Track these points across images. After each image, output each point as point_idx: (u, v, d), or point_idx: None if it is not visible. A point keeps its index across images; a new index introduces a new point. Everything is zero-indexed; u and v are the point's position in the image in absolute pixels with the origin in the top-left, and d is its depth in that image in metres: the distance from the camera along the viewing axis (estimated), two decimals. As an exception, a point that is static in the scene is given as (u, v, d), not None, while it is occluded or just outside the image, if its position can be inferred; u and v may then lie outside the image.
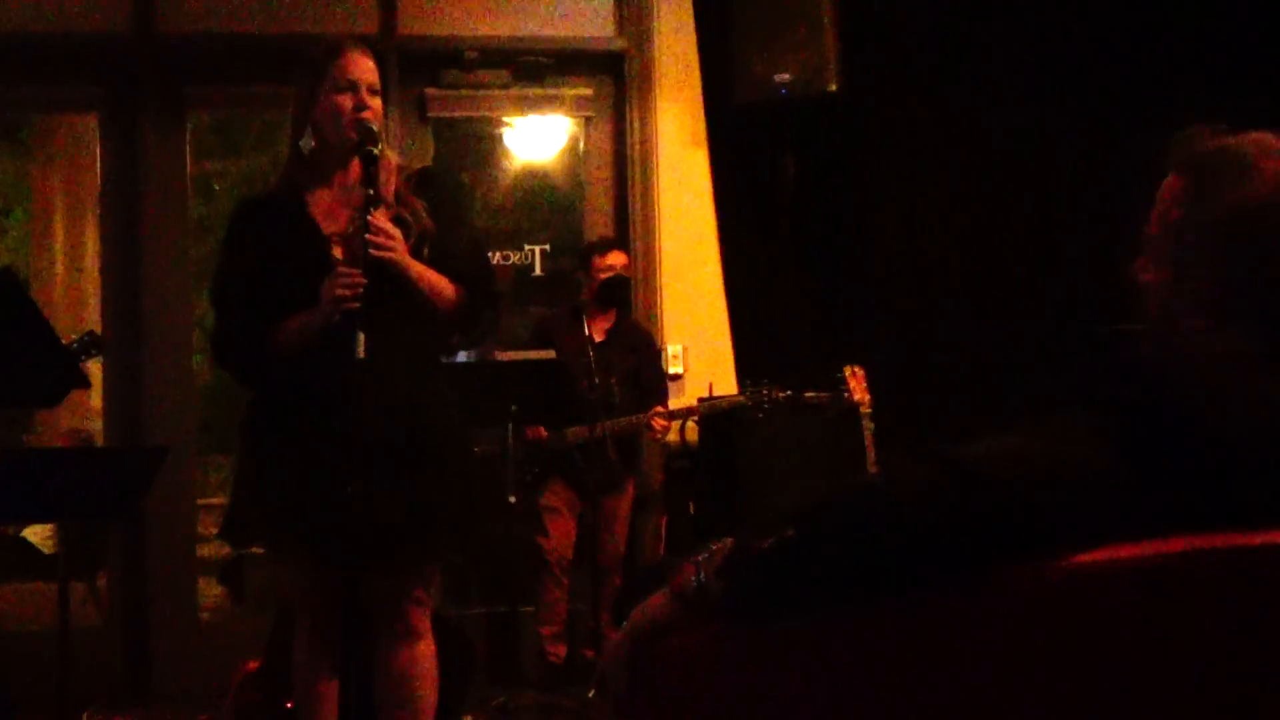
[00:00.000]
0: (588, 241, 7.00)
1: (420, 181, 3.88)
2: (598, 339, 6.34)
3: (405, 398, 3.73)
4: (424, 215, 3.79)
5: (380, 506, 3.63)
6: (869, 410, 5.98)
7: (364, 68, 3.77)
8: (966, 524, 1.63)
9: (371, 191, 3.64)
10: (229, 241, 3.89)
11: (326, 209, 3.80)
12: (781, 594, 1.72)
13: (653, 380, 6.69)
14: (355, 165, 3.74)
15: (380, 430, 3.65)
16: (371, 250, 3.59)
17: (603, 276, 6.58)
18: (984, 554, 1.63)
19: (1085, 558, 1.61)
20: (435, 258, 3.78)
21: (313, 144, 3.77)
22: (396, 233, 3.67)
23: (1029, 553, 1.62)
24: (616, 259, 6.64)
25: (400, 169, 3.87)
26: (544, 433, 6.36)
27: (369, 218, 3.61)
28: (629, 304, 6.97)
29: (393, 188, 3.79)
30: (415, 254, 3.72)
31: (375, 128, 3.70)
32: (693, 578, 1.79)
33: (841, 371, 6.06)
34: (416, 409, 3.76)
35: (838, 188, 6.97)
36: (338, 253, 3.74)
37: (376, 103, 3.77)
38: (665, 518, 7.00)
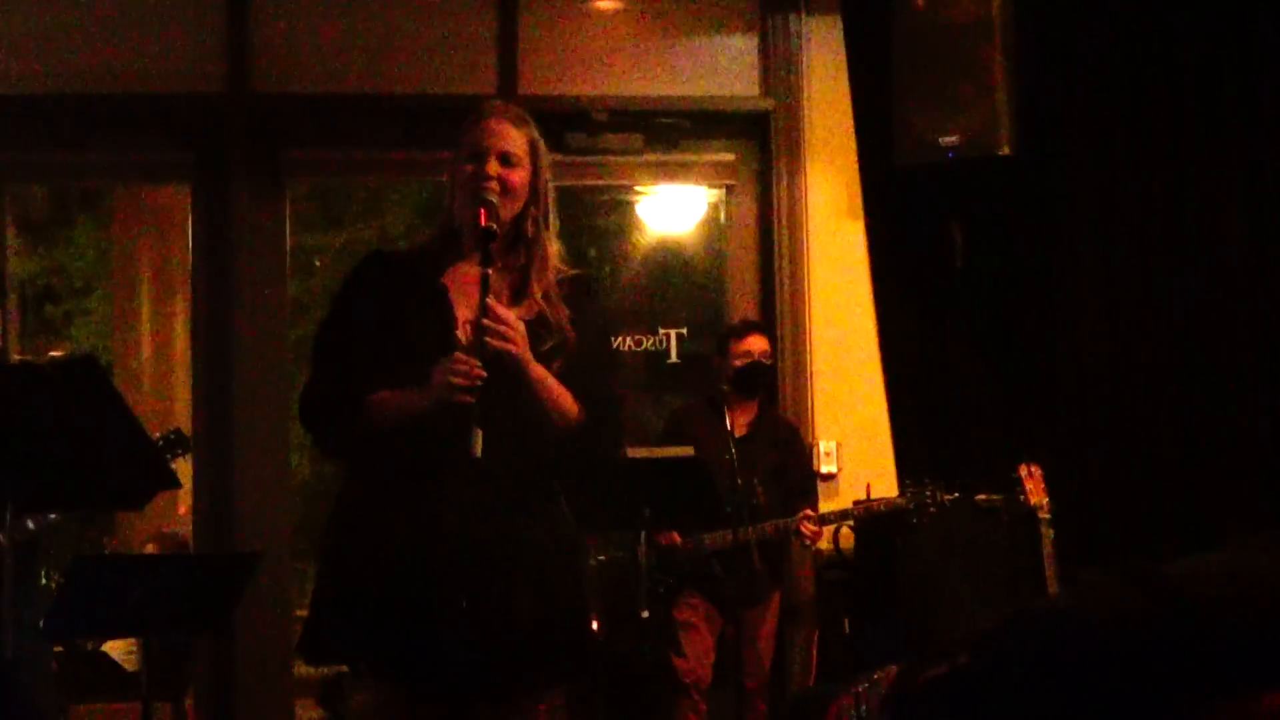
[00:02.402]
0: (726, 325, 7.01)
1: (573, 288, 3.87)
2: (738, 433, 6.31)
3: (512, 501, 3.71)
4: (567, 326, 3.79)
5: (484, 625, 3.61)
6: (1048, 515, 5.91)
7: (497, 134, 3.77)
8: (1177, 655, 1.59)
9: (489, 271, 3.64)
10: (345, 289, 3.90)
11: (462, 284, 3.80)
12: (956, 732, 1.69)
13: (800, 479, 6.67)
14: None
15: (483, 538, 3.63)
16: (487, 338, 3.58)
17: (738, 364, 6.56)
18: (1198, 690, 1.58)
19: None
20: (566, 373, 3.75)
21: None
22: (519, 326, 3.65)
23: (1251, 690, 1.57)
24: (755, 344, 6.61)
25: (557, 270, 3.85)
26: (679, 539, 6.34)
27: (488, 301, 3.60)
28: (773, 394, 6.95)
29: (545, 282, 3.80)
30: (545, 363, 3.70)
31: (493, 200, 3.70)
32: (852, 710, 1.77)
33: (1017, 470, 6.01)
34: (525, 514, 3.73)
35: (1012, 261, 6.93)
36: (461, 335, 3.73)
37: (513, 175, 3.75)
38: (816, 635, 6.95)
